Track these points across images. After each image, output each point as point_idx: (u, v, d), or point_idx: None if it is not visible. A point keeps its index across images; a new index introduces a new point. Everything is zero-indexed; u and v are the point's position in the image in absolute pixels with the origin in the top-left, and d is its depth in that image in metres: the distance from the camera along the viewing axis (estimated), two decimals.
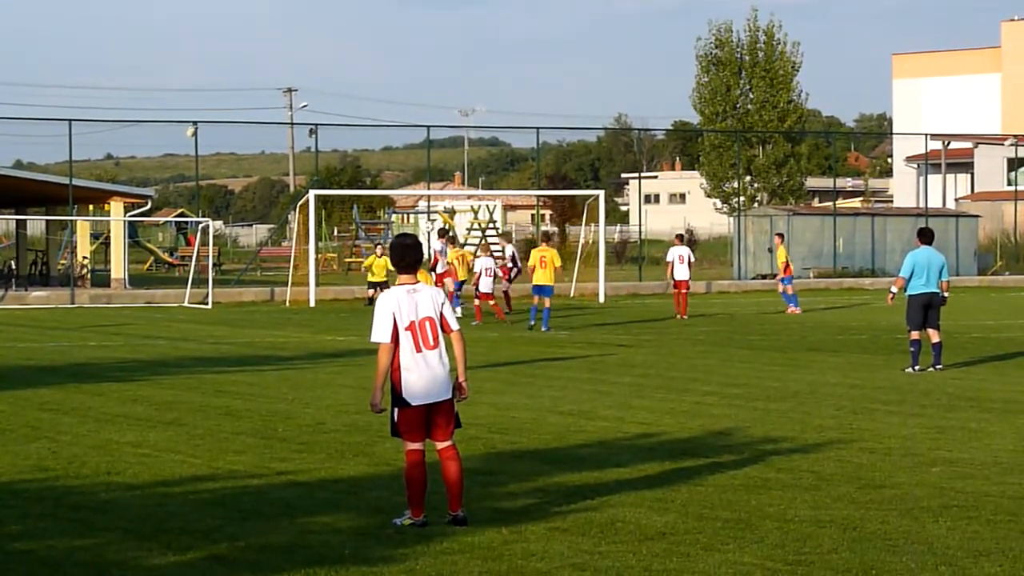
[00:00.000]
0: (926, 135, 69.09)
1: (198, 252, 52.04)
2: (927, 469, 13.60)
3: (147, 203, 55.92)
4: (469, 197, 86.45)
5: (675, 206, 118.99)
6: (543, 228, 71.60)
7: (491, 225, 74.79)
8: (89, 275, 53.73)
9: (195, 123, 53.24)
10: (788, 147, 75.55)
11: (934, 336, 23.30)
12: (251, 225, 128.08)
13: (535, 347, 28.34)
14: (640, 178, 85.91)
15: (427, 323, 10.96)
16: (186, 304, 45.39)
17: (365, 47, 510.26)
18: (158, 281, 59.20)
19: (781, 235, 43.88)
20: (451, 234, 42.80)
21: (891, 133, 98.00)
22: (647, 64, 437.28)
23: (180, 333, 33.13)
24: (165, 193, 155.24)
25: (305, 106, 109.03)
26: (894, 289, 24.01)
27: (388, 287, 40.52)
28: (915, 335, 23.21)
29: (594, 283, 47.52)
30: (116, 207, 53.08)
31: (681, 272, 37.98)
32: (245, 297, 48.01)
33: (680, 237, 42.26)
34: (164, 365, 24.81)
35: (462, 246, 62.34)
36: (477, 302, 35.76)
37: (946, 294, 23.60)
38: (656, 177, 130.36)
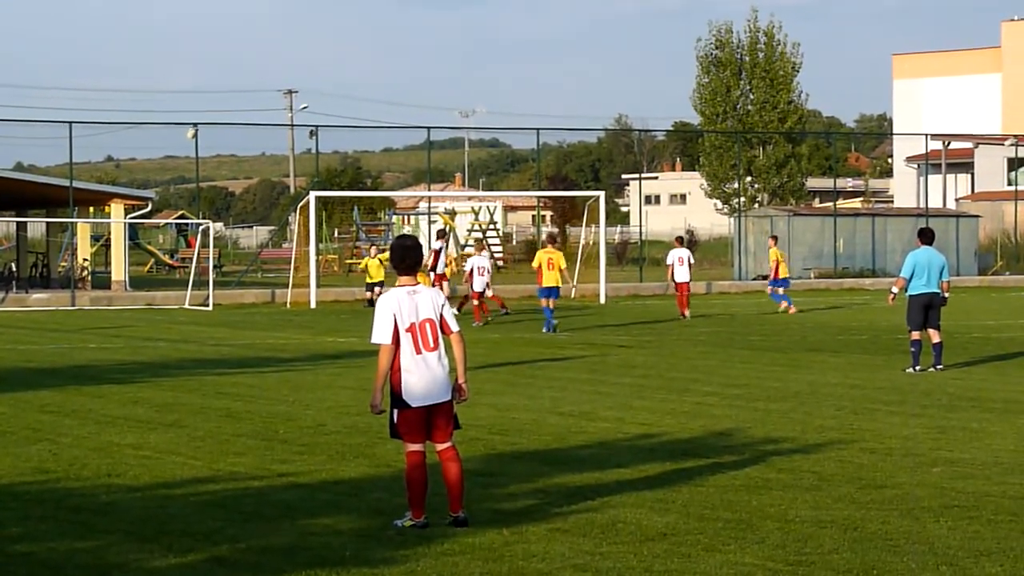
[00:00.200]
0: (926, 135, 69.10)
1: (198, 254, 52.06)
2: (928, 469, 13.59)
3: (147, 205, 55.93)
4: (470, 198, 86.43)
5: (676, 207, 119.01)
6: (549, 230, 71.63)
7: (492, 226, 74.86)
8: (89, 277, 53.75)
9: (195, 125, 53.28)
10: (788, 148, 75.57)
11: (935, 336, 23.30)
12: (252, 227, 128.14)
13: (535, 348, 28.34)
14: (641, 179, 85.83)
15: (427, 325, 10.97)
16: (187, 306, 45.40)
17: (365, 48, 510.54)
18: (159, 283, 59.20)
19: (775, 237, 43.96)
20: (448, 235, 42.82)
21: (891, 133, 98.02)
22: (647, 65, 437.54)
23: (181, 335, 33.14)
24: (165, 195, 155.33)
25: (305, 107, 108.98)
26: (895, 289, 24.02)
27: (383, 286, 40.76)
28: (916, 335, 23.21)
29: (595, 284, 47.53)
30: (116, 209, 53.07)
31: (681, 274, 38.10)
32: (246, 299, 48.03)
33: (680, 239, 42.35)
34: (165, 367, 24.81)
35: (462, 247, 62.39)
36: (476, 303, 35.78)
37: (947, 294, 23.60)
38: (656, 178, 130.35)
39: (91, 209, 61.74)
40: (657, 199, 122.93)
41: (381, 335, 10.92)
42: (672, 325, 35.43)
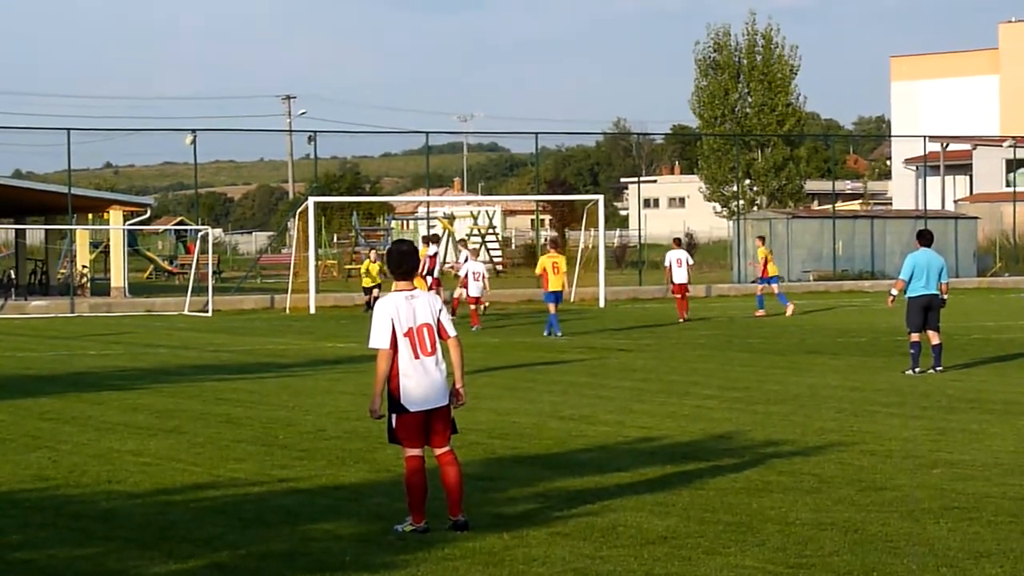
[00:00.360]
0: (924, 137, 69.12)
1: (198, 260, 52.08)
2: (928, 471, 13.59)
3: (146, 211, 55.92)
4: (469, 203, 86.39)
5: (674, 210, 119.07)
6: (549, 234, 71.59)
7: (491, 230, 74.86)
8: (89, 284, 53.75)
9: (194, 131, 53.30)
10: (787, 150, 75.57)
11: (934, 338, 23.30)
12: (250, 232, 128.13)
13: (535, 352, 28.34)
14: (639, 182, 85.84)
15: (425, 329, 10.97)
16: (186, 312, 45.41)
17: (363, 53, 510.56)
18: (158, 289, 59.21)
19: (762, 238, 44.05)
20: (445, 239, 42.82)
21: (890, 135, 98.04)
22: (646, 68, 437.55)
23: (180, 341, 33.14)
24: (164, 201, 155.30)
25: (304, 113, 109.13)
26: (894, 292, 24.02)
27: (379, 288, 40.71)
28: (915, 337, 23.21)
29: (594, 288, 47.53)
30: (115, 216, 53.09)
31: (680, 276, 38.27)
32: (245, 305, 48.03)
33: (678, 241, 42.48)
34: (164, 373, 24.80)
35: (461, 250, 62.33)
36: (472, 307, 35.89)
37: (946, 296, 23.60)
38: (655, 181, 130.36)
39: (90, 216, 61.75)
40: (656, 202, 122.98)
41: (379, 340, 10.92)
42: (671, 328, 35.44)
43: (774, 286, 40.84)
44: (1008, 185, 73.86)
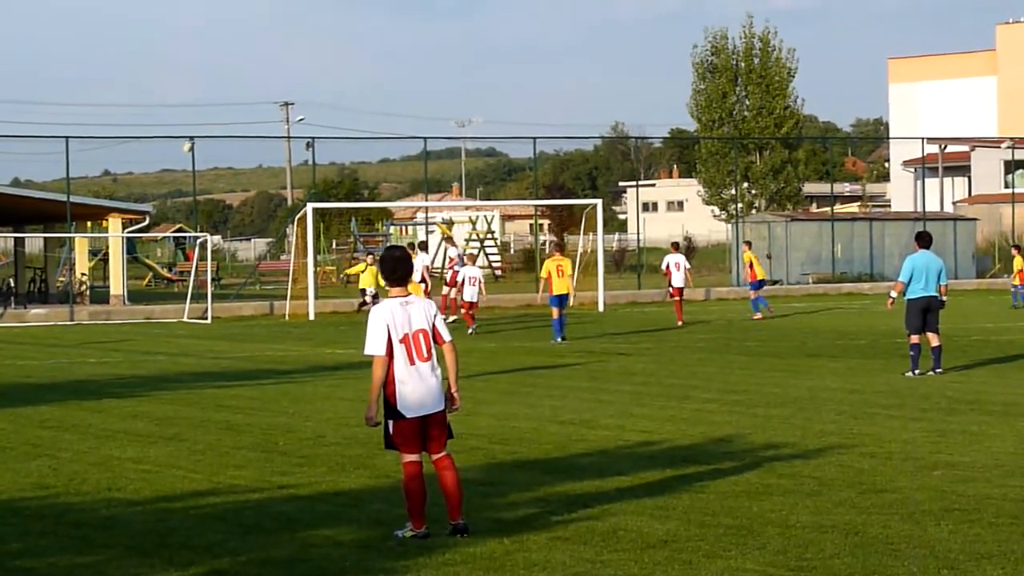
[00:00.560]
0: (923, 139, 69.14)
1: (197, 267, 52.07)
2: (928, 473, 13.59)
3: (145, 219, 55.93)
4: (467, 208, 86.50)
5: (673, 214, 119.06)
6: (549, 238, 71.61)
7: (490, 235, 74.90)
8: (88, 292, 53.71)
9: (192, 138, 53.37)
10: (785, 153, 75.55)
11: (933, 340, 23.31)
12: (249, 239, 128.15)
13: (535, 356, 28.34)
14: (638, 186, 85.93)
15: (420, 335, 10.98)
16: (185, 319, 45.39)
17: (361, 59, 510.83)
18: (157, 297, 59.18)
19: (748, 243, 44.38)
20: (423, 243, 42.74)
21: (888, 137, 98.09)
22: (643, 72, 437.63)
23: (180, 348, 33.13)
24: (163, 208, 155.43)
25: (302, 119, 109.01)
26: (893, 294, 24.02)
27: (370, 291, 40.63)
28: (914, 339, 23.22)
29: (593, 292, 47.52)
30: (114, 223, 53.07)
31: (677, 279, 38.67)
32: (244, 311, 48.01)
33: (675, 245, 42.68)
34: (164, 380, 24.80)
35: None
36: (464, 311, 35.99)
37: (945, 298, 23.61)
38: (654, 185, 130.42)
39: (89, 224, 61.81)
40: (654, 206, 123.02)
41: (374, 347, 10.92)
42: (671, 332, 35.45)
43: (751, 292, 41.02)
44: (1007, 186, 73.87)
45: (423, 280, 36.68)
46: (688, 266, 40.06)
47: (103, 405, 20.81)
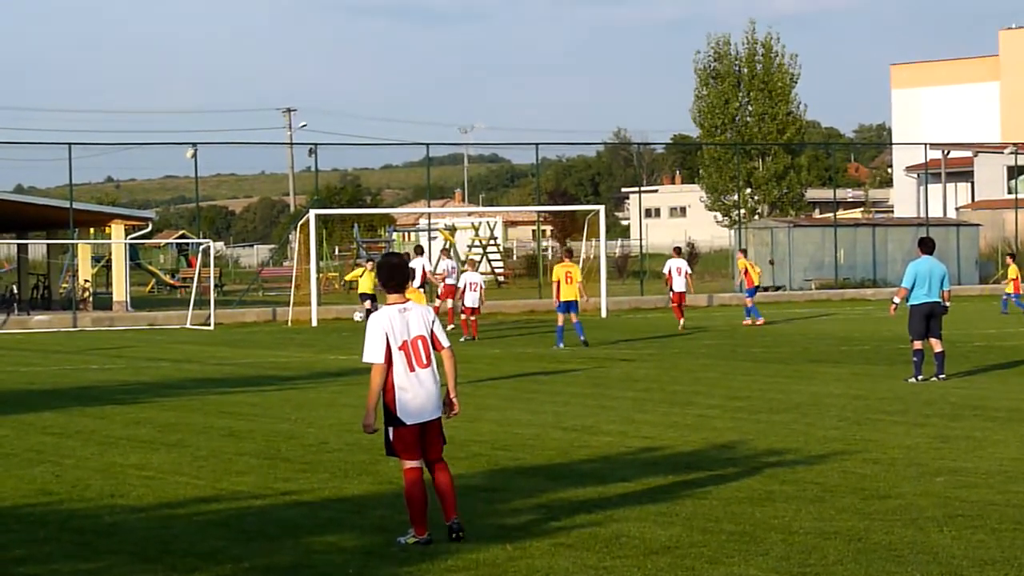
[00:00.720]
0: (925, 145, 69.12)
1: (199, 273, 52.08)
2: (931, 479, 13.58)
3: (148, 225, 55.95)
4: (470, 214, 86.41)
5: (676, 220, 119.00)
6: (552, 244, 71.63)
7: (492, 241, 74.88)
8: (91, 298, 53.72)
9: (195, 144, 53.31)
10: (788, 159, 75.58)
11: (937, 345, 23.30)
12: (252, 245, 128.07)
13: (537, 362, 28.34)
14: (640, 192, 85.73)
15: (419, 342, 10.99)
16: (188, 325, 45.42)
17: (363, 66, 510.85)
18: (160, 303, 59.20)
19: (744, 251, 44.70)
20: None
21: (890, 143, 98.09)
22: (646, 78, 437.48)
23: (183, 355, 33.14)
24: (166, 215, 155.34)
25: (304, 126, 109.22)
26: (896, 300, 24.02)
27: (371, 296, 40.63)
28: (918, 345, 23.21)
29: (596, 298, 47.50)
30: (117, 230, 53.09)
31: (678, 284, 38.90)
32: (247, 318, 48.03)
33: (677, 250, 42.87)
34: (167, 387, 24.81)
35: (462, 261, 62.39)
36: (463, 316, 36.05)
37: (948, 303, 23.61)
38: (656, 191, 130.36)
39: (91, 230, 61.74)
40: (657, 212, 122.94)
41: (373, 354, 10.92)
42: (674, 338, 35.45)
43: (748, 299, 41.15)
44: (1010, 192, 73.86)
45: (423, 284, 36.69)
46: (689, 271, 40.15)
47: (106, 411, 20.82)
